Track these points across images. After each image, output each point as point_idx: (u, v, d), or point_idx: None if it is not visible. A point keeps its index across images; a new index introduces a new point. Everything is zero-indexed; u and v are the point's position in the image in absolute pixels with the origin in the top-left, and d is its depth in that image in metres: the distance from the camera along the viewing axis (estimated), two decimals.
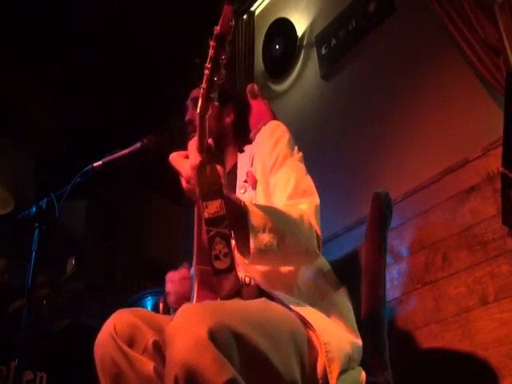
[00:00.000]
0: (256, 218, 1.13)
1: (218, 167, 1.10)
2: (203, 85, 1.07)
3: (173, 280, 1.49)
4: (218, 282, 1.04)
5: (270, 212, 1.18)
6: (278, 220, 1.17)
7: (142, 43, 3.72)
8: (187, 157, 1.14)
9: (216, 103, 1.49)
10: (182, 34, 3.57)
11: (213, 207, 1.05)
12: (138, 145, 1.66)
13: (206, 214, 1.05)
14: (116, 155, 1.68)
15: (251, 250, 1.10)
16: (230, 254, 1.04)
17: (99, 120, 4.11)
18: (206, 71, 1.06)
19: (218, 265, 1.04)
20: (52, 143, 4.19)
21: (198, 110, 1.09)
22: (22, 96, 3.91)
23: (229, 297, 1.06)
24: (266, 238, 1.12)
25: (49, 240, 1.59)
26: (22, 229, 1.67)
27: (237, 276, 1.07)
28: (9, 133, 3.86)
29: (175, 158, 1.18)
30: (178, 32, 3.58)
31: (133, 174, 4.23)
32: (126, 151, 1.67)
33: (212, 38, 1.04)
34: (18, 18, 3.46)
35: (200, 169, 1.08)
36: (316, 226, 1.26)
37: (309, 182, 1.36)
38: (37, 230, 1.59)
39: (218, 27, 1.03)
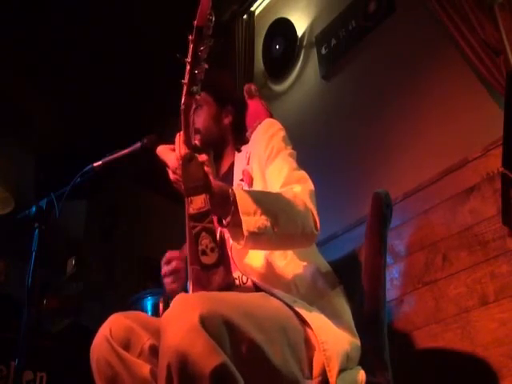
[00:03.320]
0: (246, 202, 1.12)
1: (206, 168, 1.10)
2: (185, 80, 1.07)
3: (182, 258, 1.44)
4: (207, 277, 1.05)
5: (261, 195, 1.18)
6: (269, 202, 1.17)
7: (142, 43, 3.72)
8: (174, 150, 1.16)
9: (213, 103, 1.52)
10: (182, 32, 3.56)
11: (197, 202, 1.05)
12: (137, 145, 1.66)
13: (190, 210, 1.05)
14: (116, 155, 1.68)
15: (244, 234, 1.09)
16: (216, 248, 1.04)
17: (99, 120, 4.11)
18: (187, 66, 1.06)
19: (206, 260, 1.03)
20: (52, 143, 4.19)
21: (182, 106, 1.09)
22: (22, 96, 3.91)
23: (219, 291, 1.07)
24: (258, 220, 1.11)
25: (49, 240, 1.59)
26: (21, 229, 1.67)
27: (226, 270, 1.07)
28: (9, 133, 3.86)
29: (162, 150, 1.20)
30: (178, 31, 3.58)
31: (133, 174, 4.23)
32: (126, 151, 1.67)
33: (191, 32, 1.03)
34: (17, 18, 3.45)
35: (184, 164, 1.08)
36: (311, 206, 1.25)
37: (302, 172, 1.36)
38: (37, 230, 1.59)
39: (195, 21, 1.01)
